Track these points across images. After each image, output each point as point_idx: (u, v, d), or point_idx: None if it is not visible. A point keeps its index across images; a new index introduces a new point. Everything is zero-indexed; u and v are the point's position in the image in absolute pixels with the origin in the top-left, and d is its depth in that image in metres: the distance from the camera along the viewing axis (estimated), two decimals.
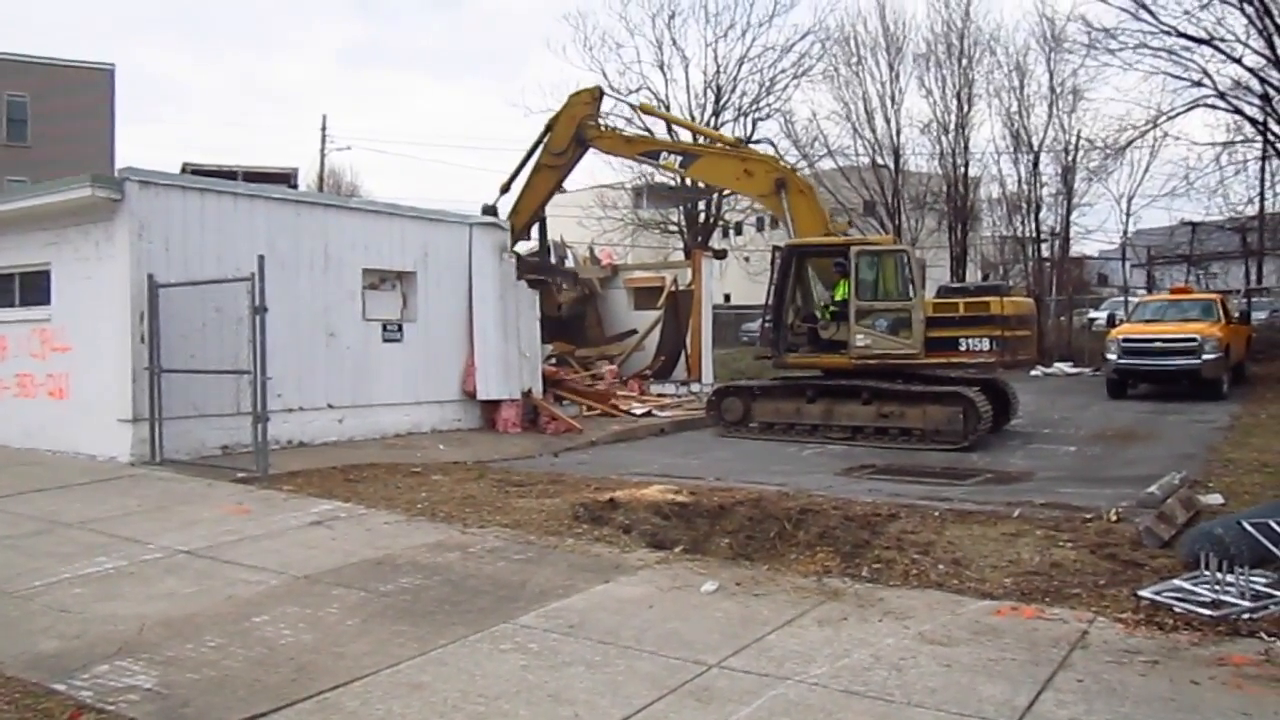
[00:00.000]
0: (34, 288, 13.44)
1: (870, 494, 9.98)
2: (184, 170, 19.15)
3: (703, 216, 36.73)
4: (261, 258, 10.86)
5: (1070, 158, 33.34)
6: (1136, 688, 4.70)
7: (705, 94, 35.20)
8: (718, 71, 35.24)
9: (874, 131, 35.37)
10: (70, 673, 5.06)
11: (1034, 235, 35.10)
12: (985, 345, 14.74)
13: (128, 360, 11.80)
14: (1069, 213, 34.37)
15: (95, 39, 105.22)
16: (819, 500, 9.20)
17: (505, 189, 20.16)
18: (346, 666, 5.09)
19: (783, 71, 35.29)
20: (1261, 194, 30.64)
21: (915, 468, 12.52)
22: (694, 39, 67.54)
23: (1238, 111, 26.79)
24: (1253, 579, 6.01)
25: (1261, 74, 25.45)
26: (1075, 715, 4.41)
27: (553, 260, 22.28)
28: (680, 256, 34.41)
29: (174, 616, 5.98)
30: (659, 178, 36.35)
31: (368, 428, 14.38)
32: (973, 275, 36.33)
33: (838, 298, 15.74)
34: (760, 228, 45.88)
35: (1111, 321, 24.02)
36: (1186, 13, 25.18)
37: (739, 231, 46.71)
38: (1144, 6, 25.42)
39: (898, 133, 35.39)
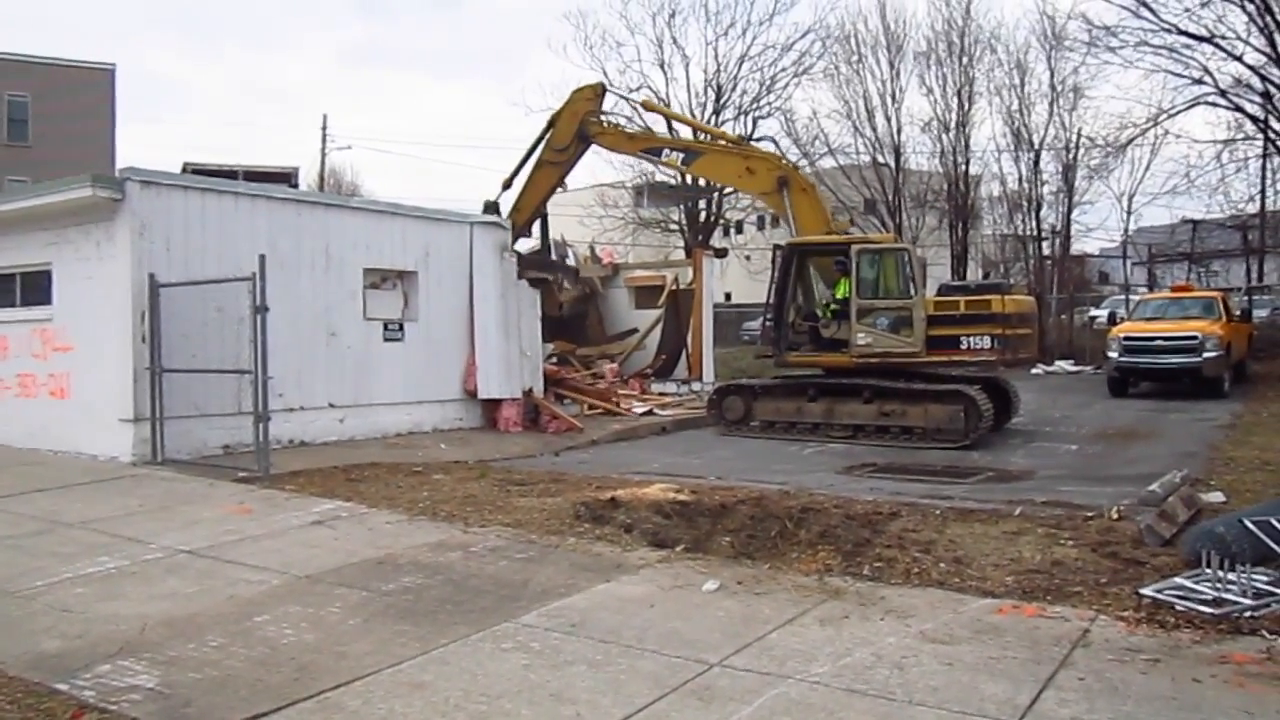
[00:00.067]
0: (35, 288, 13.44)
1: (871, 492, 9.98)
2: (185, 170, 19.16)
3: (703, 215, 36.71)
4: (262, 257, 10.86)
5: (1071, 156, 33.35)
6: (1138, 686, 4.70)
7: (706, 92, 35.21)
8: (718, 70, 35.25)
9: (875, 130, 35.40)
10: (72, 672, 5.06)
11: (1035, 233, 35.11)
12: (986, 343, 14.75)
13: (129, 360, 11.81)
14: (1070, 211, 34.39)
15: (96, 39, 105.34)
16: (820, 499, 9.20)
17: (507, 185, 20.14)
18: (348, 666, 5.09)
19: (783, 70, 35.30)
20: (1262, 192, 30.66)
21: (916, 466, 12.52)
22: (694, 37, 67.61)
23: (1239, 109, 26.80)
24: (1254, 577, 6.01)
25: (1262, 71, 25.44)
26: (1077, 714, 4.41)
27: (554, 257, 22.27)
28: (681, 255, 34.37)
29: (176, 616, 5.99)
30: (660, 176, 36.37)
31: (369, 427, 14.38)
32: (974, 273, 36.35)
33: (839, 296, 15.73)
34: (761, 226, 45.88)
35: (1112, 319, 24.02)
36: (1187, 10, 25.18)
37: (740, 230, 46.70)
38: (1145, 4, 25.43)
39: (898, 131, 35.42)
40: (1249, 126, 27.30)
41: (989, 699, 4.56)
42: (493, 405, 16.07)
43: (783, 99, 36.22)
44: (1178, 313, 21.55)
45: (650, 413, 18.07)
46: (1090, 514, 8.43)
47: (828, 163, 35.74)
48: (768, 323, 16.44)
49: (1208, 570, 6.14)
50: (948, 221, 35.94)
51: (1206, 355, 19.59)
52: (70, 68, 39.57)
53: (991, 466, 12.38)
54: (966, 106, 34.71)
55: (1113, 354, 20.91)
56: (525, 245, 21.33)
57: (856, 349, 15.14)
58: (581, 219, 35.56)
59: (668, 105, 31.62)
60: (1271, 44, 24.54)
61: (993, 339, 14.71)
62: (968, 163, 35.31)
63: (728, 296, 45.40)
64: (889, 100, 35.24)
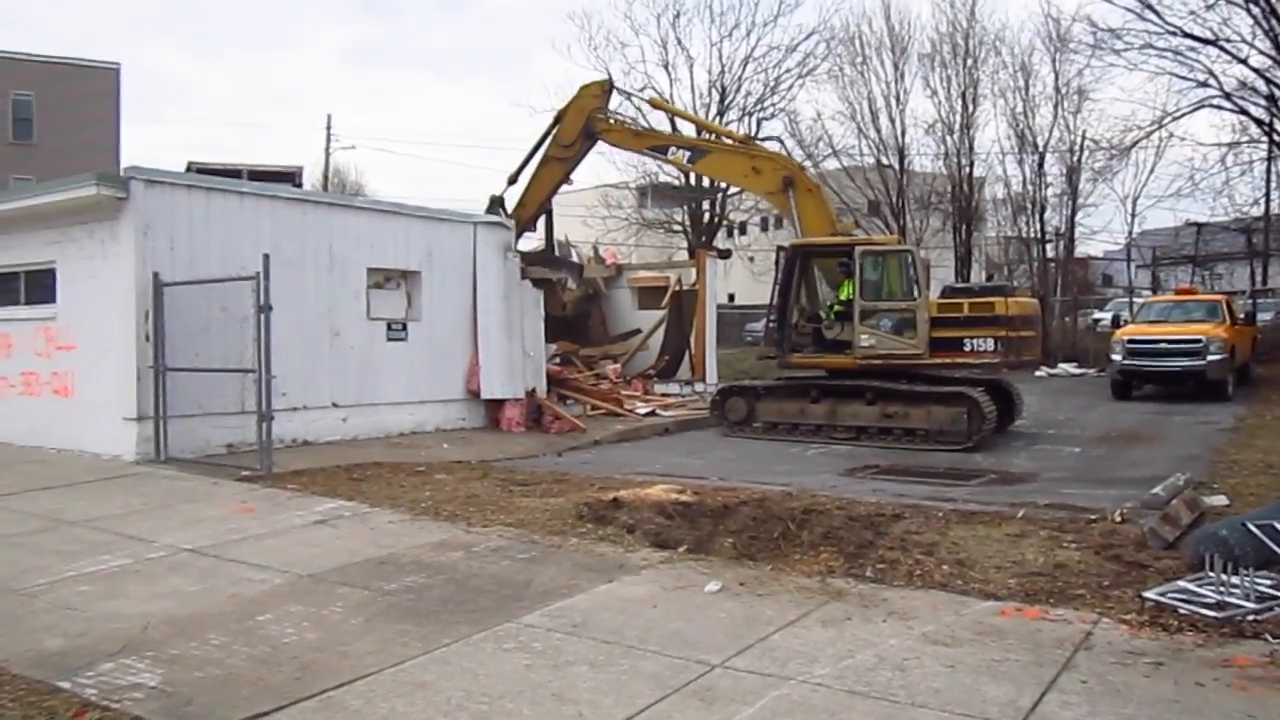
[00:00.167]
0: (39, 286, 13.47)
1: (874, 494, 9.97)
2: (189, 169, 19.25)
3: (707, 216, 36.70)
4: (266, 256, 10.89)
5: (1075, 158, 33.35)
6: (1141, 689, 4.70)
7: (710, 94, 35.20)
8: (722, 71, 35.24)
9: (879, 131, 35.40)
10: (75, 671, 5.06)
11: (1039, 236, 35.09)
12: (990, 346, 14.73)
13: (133, 359, 11.83)
14: (1074, 213, 34.36)
15: (100, 38, 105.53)
16: (823, 500, 9.19)
17: (513, 180, 20.12)
18: (350, 665, 5.09)
19: (787, 71, 35.29)
20: (1267, 195, 30.61)
21: (919, 468, 12.51)
22: (699, 38, 67.78)
23: (1243, 112, 26.75)
24: (1257, 581, 5.99)
25: (1267, 74, 25.41)
26: (1079, 716, 4.40)
27: (557, 254, 22.26)
28: (684, 256, 34.35)
29: (178, 615, 5.99)
30: (663, 177, 36.37)
31: (372, 427, 14.39)
32: (977, 276, 36.31)
33: (842, 298, 15.72)
34: (765, 227, 45.87)
35: (1116, 322, 23.99)
36: (1192, 13, 25.14)
37: (743, 231, 46.70)
38: (1149, 7, 25.39)
39: (902, 133, 35.42)
40: (1254, 129, 27.28)
41: (991, 701, 4.56)
42: (496, 405, 16.07)
43: (787, 100, 36.29)
44: (1182, 316, 21.52)
45: (653, 413, 18.06)
46: (1093, 517, 8.41)
47: (832, 164, 35.77)
48: (771, 324, 16.42)
49: (1211, 574, 6.13)
50: (951, 223, 35.92)
51: (1210, 358, 19.56)
52: (75, 67, 39.65)
53: (994, 469, 12.36)
54: (971, 108, 34.74)
55: (1116, 357, 20.88)
56: (530, 240, 21.35)
57: (860, 350, 15.13)
58: (585, 219, 35.55)
59: (674, 120, 31.55)
60: (1276, 47, 24.50)
61: (996, 341, 14.69)
62: (972, 165, 35.33)
63: (731, 297, 45.39)
64: (893, 102, 35.28)
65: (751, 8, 47.52)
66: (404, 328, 15.14)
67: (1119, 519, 8.24)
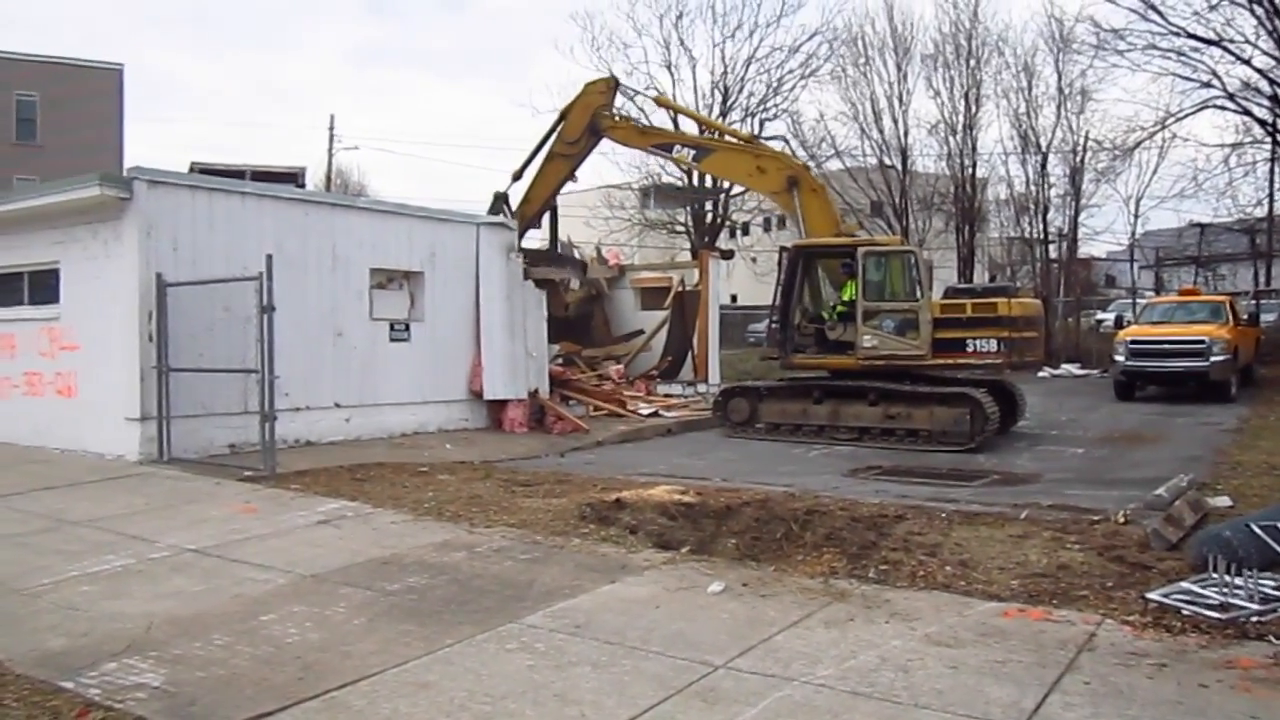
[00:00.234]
0: (43, 286, 13.49)
1: (877, 495, 9.96)
2: (192, 169, 19.24)
3: (710, 217, 36.72)
4: (269, 257, 10.90)
5: (1078, 159, 33.26)
6: (1144, 690, 4.69)
7: (712, 94, 35.22)
8: (725, 72, 35.27)
9: (881, 132, 35.37)
10: (78, 670, 5.07)
11: (1042, 236, 35.03)
12: (992, 346, 14.71)
13: (136, 359, 11.84)
14: (1077, 214, 34.29)
15: (104, 38, 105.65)
16: (825, 501, 9.18)
17: (517, 177, 20.11)
18: (353, 665, 5.10)
19: (790, 72, 35.32)
20: (1271, 195, 30.54)
21: (922, 469, 12.50)
22: (701, 39, 68.01)
23: (1247, 113, 26.73)
24: (1261, 582, 5.98)
25: (1271, 75, 25.38)
26: (1082, 718, 4.40)
27: (561, 252, 22.26)
28: (687, 257, 34.36)
29: (181, 615, 6.00)
30: (666, 178, 36.37)
31: (374, 427, 14.40)
32: (980, 276, 36.24)
33: (845, 298, 15.71)
34: (767, 228, 45.87)
35: (1119, 323, 23.94)
36: (1196, 13, 25.14)
37: (746, 232, 46.69)
38: (1153, 7, 25.38)
39: (905, 133, 35.37)
40: (1257, 130, 27.25)
41: (994, 702, 4.55)
42: (498, 406, 16.08)
43: (789, 101, 36.28)
44: (1185, 316, 21.48)
45: (656, 414, 18.06)
46: (1096, 518, 8.40)
47: (834, 165, 35.75)
48: (773, 324, 16.41)
49: (1214, 575, 6.12)
50: (954, 224, 35.88)
51: (1213, 359, 19.52)
52: (78, 67, 39.72)
53: (997, 470, 12.36)
54: (974, 109, 34.67)
55: (1119, 357, 20.84)
56: (534, 237, 21.34)
57: (862, 351, 15.13)
58: (588, 220, 35.56)
59: (676, 117, 31.57)
60: None
61: (999, 342, 14.67)
62: (974, 165, 35.28)
63: (734, 298, 45.36)
64: (896, 102, 35.23)
65: (754, 8, 47.45)
66: (407, 328, 15.15)
67: (1122, 520, 8.23)
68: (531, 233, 21.15)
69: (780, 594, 6.35)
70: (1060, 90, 33.29)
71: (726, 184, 33.96)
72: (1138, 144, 29.12)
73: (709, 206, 36.63)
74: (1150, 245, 36.86)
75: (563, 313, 21.08)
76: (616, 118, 19.80)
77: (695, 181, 34.68)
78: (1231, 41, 25.27)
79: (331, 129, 48.49)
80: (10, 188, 27.89)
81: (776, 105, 35.48)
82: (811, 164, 32.43)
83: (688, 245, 37.08)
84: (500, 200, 19.67)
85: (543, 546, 7.70)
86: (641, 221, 39.14)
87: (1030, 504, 9.32)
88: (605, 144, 20.39)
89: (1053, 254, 35.63)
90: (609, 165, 59.60)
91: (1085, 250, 38.44)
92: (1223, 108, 26.75)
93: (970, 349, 14.80)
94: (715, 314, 22.04)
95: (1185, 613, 5.78)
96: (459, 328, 15.89)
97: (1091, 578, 6.66)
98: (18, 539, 8.07)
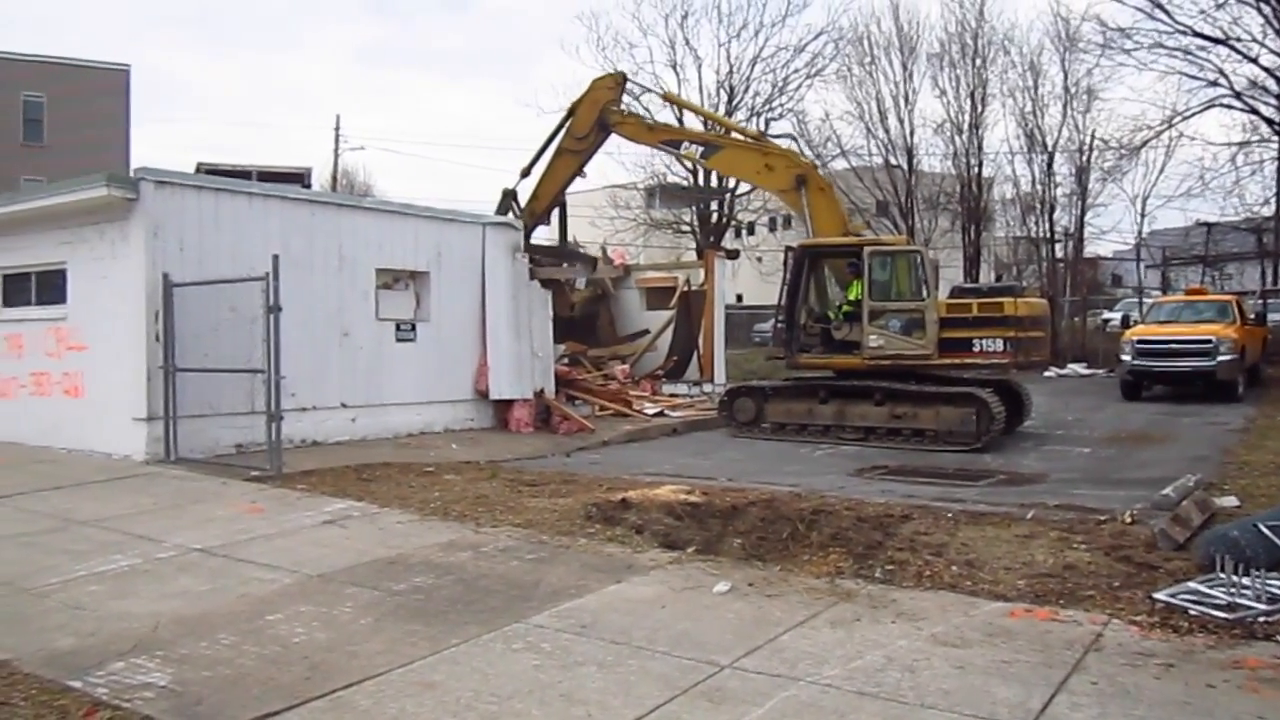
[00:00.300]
0: (50, 287, 13.53)
1: (883, 495, 9.95)
2: (198, 170, 19.24)
3: (715, 216, 36.68)
4: (276, 257, 10.91)
5: (1084, 158, 33.12)
6: (1151, 691, 4.68)
7: (718, 94, 35.17)
8: (730, 71, 35.22)
9: (887, 131, 35.27)
10: (85, 670, 5.09)
11: (1048, 236, 34.91)
12: (999, 346, 14.68)
13: (143, 359, 11.86)
14: (1083, 213, 34.16)
15: (110, 39, 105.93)
16: (831, 501, 9.18)
17: (526, 173, 20.10)
18: (359, 665, 5.11)
19: (796, 71, 35.26)
20: (1278, 194, 30.37)
21: (928, 469, 12.49)
22: (707, 39, 67.48)
23: (1254, 111, 26.63)
24: (1268, 582, 5.97)
25: (1278, 74, 25.29)
26: (1089, 718, 4.39)
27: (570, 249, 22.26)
28: (693, 256, 34.39)
29: (188, 614, 6.01)
30: (671, 177, 36.36)
31: (380, 427, 14.42)
32: (986, 276, 36.19)
33: (851, 298, 15.70)
34: (773, 228, 45.80)
35: (1126, 323, 23.90)
36: (1202, 12, 25.07)
37: (751, 231, 46.65)
38: (1159, 6, 25.32)
39: (911, 133, 35.27)
40: (1264, 129, 27.13)
41: (1001, 702, 4.55)
42: (504, 406, 16.09)
43: (795, 100, 36.22)
44: (1191, 316, 21.43)
45: (661, 414, 18.06)
46: (1103, 518, 8.39)
47: (840, 164, 35.69)
48: (779, 324, 16.40)
49: (1222, 575, 6.11)
50: (960, 224, 35.80)
51: (1220, 359, 19.47)
52: (85, 68, 39.83)
53: (1003, 469, 12.34)
54: (979, 108, 34.55)
55: (1126, 357, 20.80)
56: (543, 233, 21.34)
57: (868, 351, 15.11)
58: (593, 220, 35.56)
59: (681, 112, 31.57)
60: None
61: (1005, 342, 14.64)
62: (980, 165, 35.17)
63: (739, 298, 45.38)
64: (902, 102, 35.13)
65: (760, 8, 47.54)
66: (413, 328, 15.16)
67: (1129, 520, 8.21)
68: (540, 229, 21.15)
69: (786, 594, 6.35)
70: (1066, 89, 33.17)
71: (732, 183, 33.96)
72: (1144, 143, 29.06)
73: (714, 206, 36.60)
74: (1157, 244, 36.71)
75: (568, 312, 21.08)
76: (624, 113, 19.78)
77: (700, 181, 34.66)
78: (1238, 40, 25.23)
79: (337, 129, 48.86)
80: (17, 188, 27.99)
81: (782, 105, 35.49)
82: (817, 163, 32.45)
83: (693, 245, 37.07)
84: (509, 197, 19.68)
85: (548, 546, 7.71)
86: (647, 221, 39.12)
87: (1037, 504, 9.30)
88: (610, 143, 20.38)
89: (1059, 253, 35.53)
90: (614, 165, 59.70)
91: (1091, 250, 38.38)
92: (1230, 106, 26.69)
93: (976, 349, 14.78)
94: (721, 313, 22.02)
95: (1192, 613, 5.77)
96: (465, 328, 15.90)
97: (1098, 578, 6.65)
98: (26, 539, 8.10)
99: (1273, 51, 25.07)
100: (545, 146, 19.86)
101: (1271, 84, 25.65)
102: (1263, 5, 24.41)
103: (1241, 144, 27.41)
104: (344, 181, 52.07)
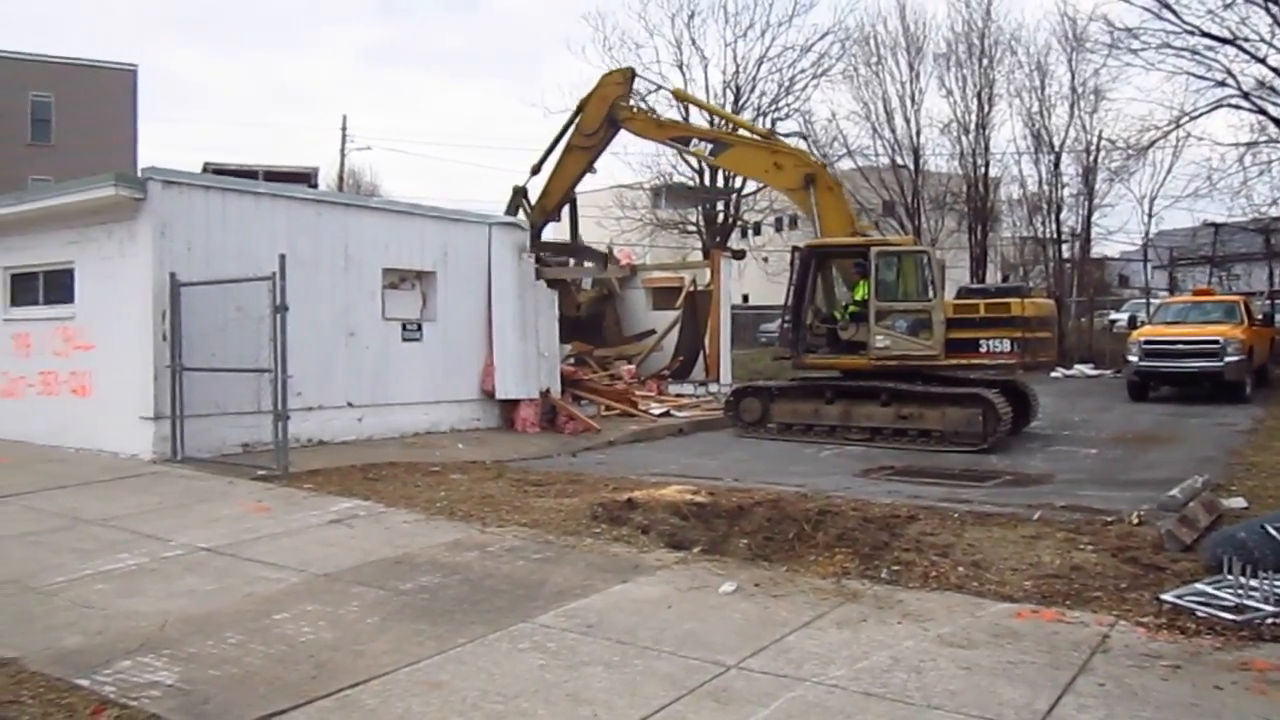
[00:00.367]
0: (58, 286, 13.57)
1: (889, 495, 9.94)
2: (205, 170, 19.35)
3: (721, 217, 36.67)
4: (282, 257, 10.94)
5: (1091, 158, 33.13)
6: (1158, 692, 4.67)
7: (724, 94, 35.16)
8: (737, 71, 35.21)
9: (894, 131, 35.28)
10: (93, 668, 5.10)
11: (1055, 236, 34.89)
12: (1005, 347, 14.66)
13: (150, 358, 11.89)
14: (1090, 213, 34.15)
15: (118, 39, 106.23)
16: (837, 501, 9.17)
17: (536, 170, 20.11)
18: (366, 664, 5.11)
19: (802, 71, 35.24)
20: None
21: (934, 469, 12.47)
22: (713, 39, 67.73)
23: (1261, 112, 26.52)
24: (1276, 583, 5.95)
25: None
26: (1096, 719, 4.38)
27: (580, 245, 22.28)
28: (699, 257, 34.32)
29: (195, 613, 6.02)
30: (678, 177, 36.33)
31: (387, 426, 14.44)
32: (993, 276, 36.15)
33: (857, 298, 15.68)
34: (779, 228, 45.77)
35: (1133, 323, 23.87)
36: (1210, 12, 24.95)
37: (757, 232, 46.60)
38: (1167, 6, 25.22)
39: (917, 133, 35.28)
40: (1272, 129, 27.00)
41: (1007, 704, 4.54)
42: (510, 405, 16.10)
43: (801, 100, 36.23)
44: (1199, 317, 21.39)
45: (667, 414, 18.06)
46: (1110, 519, 8.37)
47: (846, 164, 35.67)
48: (785, 324, 16.40)
49: (1229, 576, 6.09)
50: (967, 224, 35.77)
51: (1228, 359, 19.43)
52: (93, 68, 39.96)
53: (1010, 470, 12.31)
54: (986, 108, 34.56)
55: (1133, 358, 20.76)
56: (552, 229, 21.34)
57: (875, 351, 15.09)
58: (599, 220, 35.54)
59: (687, 108, 31.57)
60: None
61: (1012, 342, 14.63)
62: (987, 165, 35.16)
63: (745, 298, 45.33)
64: (908, 102, 35.14)
65: (766, 8, 47.55)
66: (419, 328, 15.18)
67: (1136, 521, 8.19)
68: (551, 226, 21.15)
69: (792, 594, 6.35)
70: (1073, 89, 33.18)
71: (738, 183, 33.93)
72: (1151, 143, 28.96)
73: (720, 206, 36.58)
74: (1164, 245, 36.64)
75: (574, 312, 21.08)
76: (634, 109, 19.77)
77: (707, 181, 34.63)
78: (1246, 40, 25.12)
79: (344, 129, 48.56)
80: (26, 188, 28.08)
81: (789, 105, 35.49)
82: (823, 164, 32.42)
83: (699, 245, 37.04)
84: (519, 194, 19.69)
85: (555, 546, 7.71)
86: (653, 221, 39.11)
87: (1043, 505, 9.28)
88: (616, 142, 20.38)
89: (1066, 254, 35.49)
90: (621, 165, 59.67)
91: (1099, 250, 38.31)
92: (1237, 107, 26.59)
93: (983, 349, 14.76)
94: (727, 314, 22.00)
95: (1199, 614, 5.75)
96: (471, 327, 15.91)
97: (1105, 579, 6.63)
98: (33, 537, 8.12)
99: None
100: (555, 143, 19.85)
101: (1279, 84, 25.56)
102: (1271, 5, 24.33)
103: (1249, 144, 27.31)
104: (350, 181, 52.16)
